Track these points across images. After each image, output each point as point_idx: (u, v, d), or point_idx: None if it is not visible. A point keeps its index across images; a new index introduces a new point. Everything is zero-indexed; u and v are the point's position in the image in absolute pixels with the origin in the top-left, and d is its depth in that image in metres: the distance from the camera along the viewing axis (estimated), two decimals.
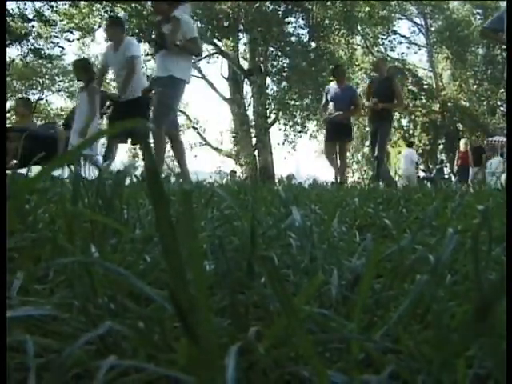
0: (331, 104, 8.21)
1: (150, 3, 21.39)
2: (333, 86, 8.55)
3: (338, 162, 8.43)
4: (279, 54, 22.42)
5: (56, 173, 1.42)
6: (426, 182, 13.19)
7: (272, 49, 22.20)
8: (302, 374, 0.45)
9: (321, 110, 8.84)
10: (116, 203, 1.04)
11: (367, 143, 27.66)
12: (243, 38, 22.68)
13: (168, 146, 6.41)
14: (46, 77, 25.21)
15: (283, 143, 23.44)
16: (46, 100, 26.44)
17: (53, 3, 19.88)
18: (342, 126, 8.07)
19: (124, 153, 24.77)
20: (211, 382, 0.35)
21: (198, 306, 0.34)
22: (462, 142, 15.28)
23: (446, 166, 21.53)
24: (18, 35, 18.55)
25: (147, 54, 24.15)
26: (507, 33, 4.95)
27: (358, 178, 24.23)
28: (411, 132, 26.46)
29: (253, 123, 21.65)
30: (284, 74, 22.42)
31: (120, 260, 0.77)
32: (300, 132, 24.19)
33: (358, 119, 21.13)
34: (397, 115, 27.07)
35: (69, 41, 22.04)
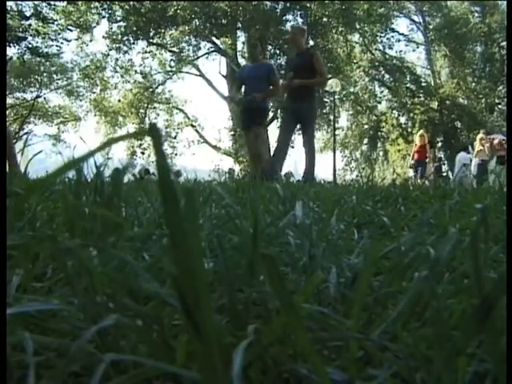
0: (245, 85, 7.15)
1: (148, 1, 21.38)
2: (248, 64, 7.49)
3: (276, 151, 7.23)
4: (277, 52, 22.41)
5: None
6: (424, 179, 13.20)
7: (270, 47, 22.19)
8: (301, 372, 0.45)
9: (232, 94, 7.57)
10: (114, 201, 1.04)
11: (365, 141, 27.74)
12: (241, 36, 22.67)
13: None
14: (44, 75, 25.16)
15: None
16: (44, 98, 26.41)
17: (50, 1, 19.84)
18: (256, 110, 6.89)
19: (122, 151, 24.78)
20: (216, 378, 0.35)
21: (204, 303, 0.34)
22: (417, 136, 14.66)
23: (444, 164, 21.53)
24: (15, 34, 18.52)
25: (145, 52, 24.16)
26: (507, 33, 4.97)
27: (356, 176, 24.24)
28: (409, 130, 26.46)
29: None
30: (282, 72, 22.43)
31: (121, 255, 0.77)
32: (298, 130, 24.19)
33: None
34: (395, 113, 27.16)
35: (66, 40, 22.01)
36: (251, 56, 7.44)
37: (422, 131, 16.73)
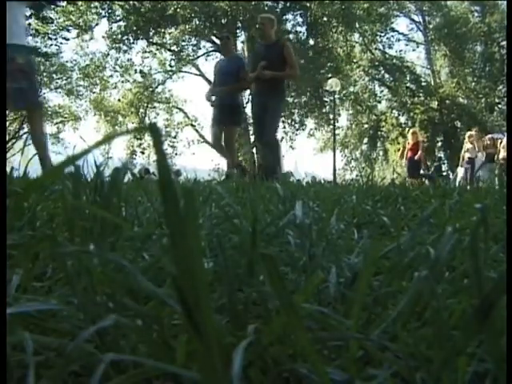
0: (217, 81, 6.79)
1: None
2: (221, 59, 7.11)
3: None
4: None
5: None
6: (424, 179, 13.07)
7: None
8: (301, 372, 0.45)
9: (208, 91, 6.99)
10: (114, 201, 1.04)
11: (365, 140, 27.73)
12: (241, 36, 22.66)
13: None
14: (44, 74, 25.15)
15: (281, 141, 23.44)
16: (44, 97, 26.40)
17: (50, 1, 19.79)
18: (227, 107, 6.47)
19: (122, 150, 24.77)
20: (216, 378, 0.35)
21: (204, 303, 0.34)
22: (410, 133, 14.27)
23: (444, 164, 21.54)
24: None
25: (144, 52, 24.16)
26: (507, 32, 4.96)
27: (356, 175, 24.24)
28: (409, 129, 26.43)
29: (251, 120, 21.62)
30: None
31: (119, 257, 0.77)
32: (298, 129, 24.20)
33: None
34: (395, 112, 27.15)
35: (66, 39, 22.01)
36: (223, 49, 7.04)
37: (414, 129, 16.45)
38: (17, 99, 4.13)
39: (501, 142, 12.36)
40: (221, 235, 0.73)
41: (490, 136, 13.83)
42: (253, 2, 20.79)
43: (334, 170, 17.93)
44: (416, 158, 13.39)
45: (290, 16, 22.74)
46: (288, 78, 6.55)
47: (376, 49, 27.07)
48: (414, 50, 28.79)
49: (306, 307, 0.53)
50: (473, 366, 0.46)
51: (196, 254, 0.34)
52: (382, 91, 27.60)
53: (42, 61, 22.95)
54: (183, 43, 23.79)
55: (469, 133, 14.72)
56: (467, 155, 14.17)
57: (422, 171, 13.77)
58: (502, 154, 12.07)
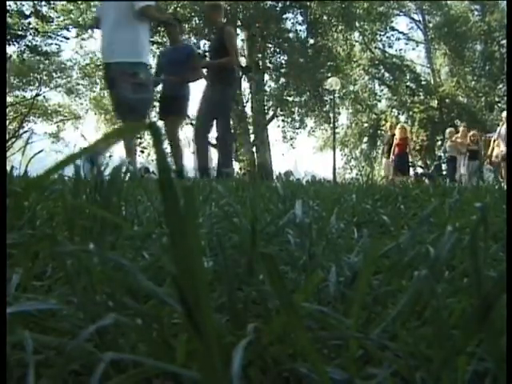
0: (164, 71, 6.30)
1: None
2: (167, 48, 6.59)
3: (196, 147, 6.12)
4: (277, 50, 22.41)
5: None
6: (423, 178, 12.97)
7: (270, 45, 22.18)
8: (301, 371, 0.45)
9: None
10: (114, 200, 1.04)
11: (365, 139, 27.73)
12: (241, 35, 22.65)
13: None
14: (44, 73, 25.13)
15: (281, 140, 23.44)
16: (44, 96, 26.38)
17: (50, 0, 19.84)
18: (173, 98, 5.98)
19: (122, 149, 24.70)
20: (215, 378, 0.35)
21: (204, 302, 0.34)
22: (397, 128, 13.54)
23: (443, 163, 21.52)
24: (15, 32, 18.52)
25: None
26: (507, 31, 4.96)
27: (356, 174, 24.25)
28: (409, 128, 26.45)
29: (251, 120, 21.63)
30: (282, 70, 22.43)
31: (119, 256, 0.77)
32: (298, 128, 24.20)
33: None
34: (395, 111, 27.16)
35: (66, 38, 22.00)
36: (169, 37, 6.53)
37: (402, 124, 16.05)
38: (139, 108, 4.69)
39: (495, 140, 12.20)
40: (221, 234, 0.73)
41: (472, 132, 13.63)
42: (252, 2, 20.77)
43: (334, 168, 17.93)
44: (404, 154, 12.89)
45: (289, 15, 22.73)
46: (224, 66, 5.82)
47: (376, 48, 27.06)
48: (413, 49, 28.80)
49: (305, 306, 0.53)
50: (473, 365, 0.46)
51: (196, 253, 0.34)
52: (381, 90, 27.60)
53: (41, 60, 22.95)
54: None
55: (448, 129, 14.38)
56: (448, 153, 13.86)
57: (411, 168, 13.48)
58: (496, 151, 11.94)
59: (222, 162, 5.86)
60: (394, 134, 13.42)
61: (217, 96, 5.74)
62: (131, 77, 4.62)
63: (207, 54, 6.12)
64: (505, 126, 12.00)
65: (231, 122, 6.29)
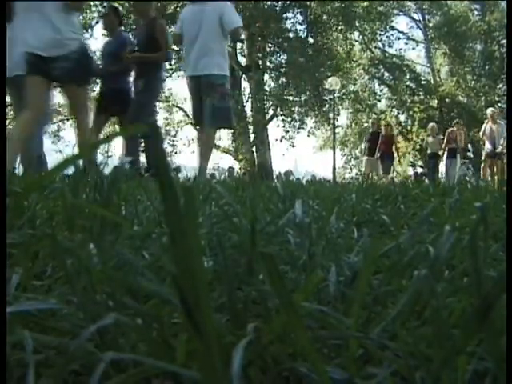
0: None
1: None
2: (108, 39, 6.45)
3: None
4: (277, 49, 22.41)
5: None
6: (423, 177, 12.83)
7: (270, 45, 22.18)
8: (301, 371, 0.45)
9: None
10: (114, 199, 1.04)
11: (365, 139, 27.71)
12: (242, 35, 22.64)
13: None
14: None
15: (281, 139, 23.43)
16: None
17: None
18: (110, 92, 5.77)
19: (122, 148, 24.71)
20: (215, 377, 0.35)
21: (204, 302, 0.34)
22: (382, 124, 13.39)
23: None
24: None
25: None
26: (507, 31, 5.01)
27: (356, 174, 24.24)
28: (409, 128, 26.46)
29: (251, 119, 21.62)
30: (282, 69, 22.42)
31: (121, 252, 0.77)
32: (298, 128, 24.19)
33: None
34: (395, 111, 27.16)
35: None
36: (104, 28, 6.33)
37: (388, 120, 15.68)
38: (227, 116, 5.30)
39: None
40: (220, 234, 0.73)
41: (451, 129, 13.39)
42: (252, 1, 20.77)
43: (334, 168, 17.94)
44: (390, 152, 12.53)
45: (289, 14, 22.73)
46: (155, 61, 5.57)
47: (376, 47, 27.06)
48: (413, 49, 28.81)
49: (305, 306, 0.53)
50: (473, 364, 0.46)
51: (196, 252, 0.34)
52: (381, 90, 27.60)
53: None
54: None
55: (430, 125, 14.11)
56: (429, 150, 13.55)
57: (394, 168, 13.05)
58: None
59: (128, 151, 5.51)
60: (379, 131, 13.10)
61: (143, 92, 5.48)
62: (220, 87, 5.22)
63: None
64: (490, 123, 11.86)
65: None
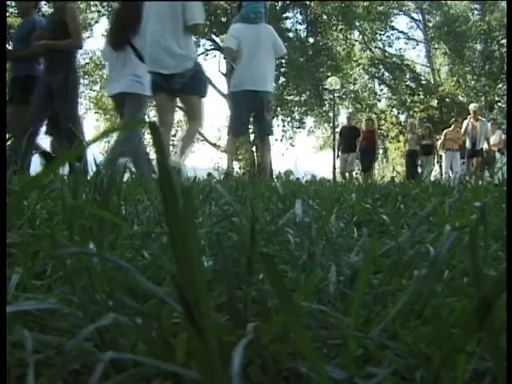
0: None
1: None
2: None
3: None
4: None
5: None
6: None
7: None
8: (301, 370, 0.45)
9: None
10: (114, 199, 1.04)
11: None
12: None
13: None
14: None
15: (281, 139, 23.45)
16: None
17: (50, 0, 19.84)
18: (17, 80, 5.38)
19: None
20: (215, 377, 0.35)
21: (203, 301, 0.34)
22: (363, 120, 12.71)
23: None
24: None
25: None
26: (507, 30, 5.06)
27: (356, 174, 24.24)
28: (409, 128, 26.43)
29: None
30: (282, 69, 22.41)
31: (118, 256, 0.77)
32: (298, 128, 24.20)
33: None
34: (394, 111, 27.16)
35: None
36: (19, 10, 5.91)
37: (370, 115, 15.25)
38: (272, 126, 6.16)
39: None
40: (220, 234, 0.73)
41: (426, 125, 13.11)
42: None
43: (334, 168, 17.92)
44: (370, 148, 11.88)
45: (289, 14, 22.74)
46: (67, 48, 5.14)
47: (376, 47, 27.08)
48: (413, 49, 28.92)
49: (305, 305, 0.53)
50: (472, 364, 0.46)
51: (195, 252, 0.34)
52: (381, 89, 27.62)
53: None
54: None
55: (409, 120, 13.80)
56: (407, 147, 13.00)
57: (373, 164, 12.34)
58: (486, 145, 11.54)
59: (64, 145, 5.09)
60: (352, 127, 12.54)
61: (59, 83, 5.04)
62: (270, 102, 5.87)
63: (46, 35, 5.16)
64: (472, 120, 11.55)
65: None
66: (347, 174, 11.62)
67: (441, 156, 12.63)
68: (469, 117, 11.81)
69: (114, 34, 5.24)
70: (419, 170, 12.48)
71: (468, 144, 11.46)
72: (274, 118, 6.25)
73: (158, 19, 4.68)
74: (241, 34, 5.69)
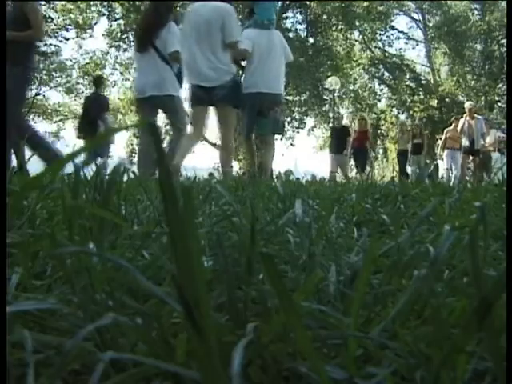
0: None
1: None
2: None
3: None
4: None
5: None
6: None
7: None
8: (301, 370, 0.45)
9: None
10: (114, 199, 1.04)
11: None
12: None
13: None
14: (44, 72, 25.12)
15: (281, 139, 23.43)
16: (44, 95, 26.38)
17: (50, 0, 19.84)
18: None
19: (122, 149, 24.80)
20: (215, 377, 0.35)
21: (203, 301, 0.34)
22: (356, 120, 12.41)
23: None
24: None
25: None
26: (507, 30, 5.10)
27: (356, 173, 24.22)
28: (409, 128, 26.44)
29: None
30: None
31: (118, 256, 0.77)
32: (298, 128, 24.19)
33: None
34: (395, 111, 27.16)
35: (65, 39, 22.01)
36: None
37: (363, 114, 15.04)
38: (283, 126, 6.53)
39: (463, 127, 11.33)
40: (220, 233, 0.73)
41: (416, 124, 12.93)
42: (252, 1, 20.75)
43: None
44: (363, 149, 11.64)
45: (289, 14, 22.72)
46: (27, 40, 4.93)
47: (376, 47, 27.08)
48: (413, 48, 28.96)
49: (305, 305, 0.53)
50: (472, 364, 0.46)
51: (195, 252, 0.34)
52: (381, 89, 27.61)
53: (41, 59, 22.94)
54: None
55: (400, 120, 13.59)
56: (397, 146, 13.01)
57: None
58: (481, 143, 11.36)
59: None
60: (342, 127, 12.26)
61: (14, 77, 4.77)
62: (281, 104, 6.17)
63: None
64: (467, 119, 11.36)
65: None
66: (338, 175, 11.34)
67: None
68: (464, 115, 11.64)
69: (139, 37, 5.60)
70: (409, 169, 12.35)
71: (464, 142, 11.33)
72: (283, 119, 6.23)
73: (199, 36, 5.10)
74: (254, 39, 5.82)
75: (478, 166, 11.20)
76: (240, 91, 5.50)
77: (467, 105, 11.86)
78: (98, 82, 9.93)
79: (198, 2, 5.27)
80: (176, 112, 5.39)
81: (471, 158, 11.42)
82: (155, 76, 5.31)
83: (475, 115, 11.48)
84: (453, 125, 12.38)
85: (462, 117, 11.91)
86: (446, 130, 12.50)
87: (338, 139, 11.86)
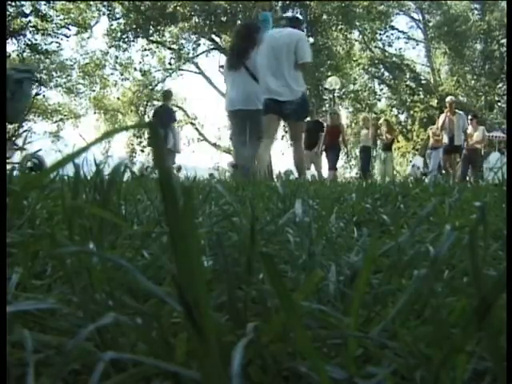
0: None
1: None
2: None
3: None
4: None
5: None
6: (423, 176, 12.60)
7: None
8: (301, 370, 0.45)
9: None
10: (114, 199, 1.04)
11: None
12: None
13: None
14: (44, 72, 25.12)
15: (281, 138, 23.43)
16: (44, 95, 26.38)
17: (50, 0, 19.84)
18: None
19: (122, 149, 24.81)
20: (215, 377, 0.35)
21: (203, 301, 0.34)
22: (328, 114, 11.93)
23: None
24: (15, 31, 18.52)
25: (144, 50, 24.14)
26: (507, 30, 5.13)
27: (356, 173, 24.22)
28: (409, 127, 26.48)
29: None
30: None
31: (118, 256, 0.77)
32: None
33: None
34: (395, 111, 27.17)
35: (66, 36, 22.01)
36: None
37: (335, 108, 13.75)
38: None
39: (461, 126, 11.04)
40: (220, 233, 0.73)
41: (384, 120, 12.62)
42: (252, 1, 20.76)
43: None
44: (335, 145, 11.16)
45: (289, 14, 22.69)
46: None
47: (376, 47, 27.09)
48: (413, 48, 28.92)
49: (305, 305, 0.53)
50: (472, 364, 0.46)
51: (195, 252, 0.34)
52: (381, 89, 27.63)
53: (41, 59, 22.95)
54: (183, 41, 23.80)
55: (362, 116, 13.24)
56: (361, 143, 12.37)
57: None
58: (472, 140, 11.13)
59: None
60: (315, 121, 11.45)
61: None
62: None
63: None
64: (448, 114, 11.06)
65: None
66: (308, 172, 10.78)
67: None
68: (445, 110, 11.31)
69: (233, 58, 6.39)
70: (375, 166, 12.09)
71: (445, 139, 11.04)
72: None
73: (274, 55, 5.77)
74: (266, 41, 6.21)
75: (463, 161, 10.99)
76: (307, 108, 6.18)
77: (448, 99, 11.47)
78: (167, 95, 10.95)
79: (275, 29, 6.28)
80: (260, 123, 5.96)
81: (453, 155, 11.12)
82: (245, 92, 6.05)
83: (456, 111, 11.20)
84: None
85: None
86: (430, 128, 12.24)
87: (309, 134, 10.65)
